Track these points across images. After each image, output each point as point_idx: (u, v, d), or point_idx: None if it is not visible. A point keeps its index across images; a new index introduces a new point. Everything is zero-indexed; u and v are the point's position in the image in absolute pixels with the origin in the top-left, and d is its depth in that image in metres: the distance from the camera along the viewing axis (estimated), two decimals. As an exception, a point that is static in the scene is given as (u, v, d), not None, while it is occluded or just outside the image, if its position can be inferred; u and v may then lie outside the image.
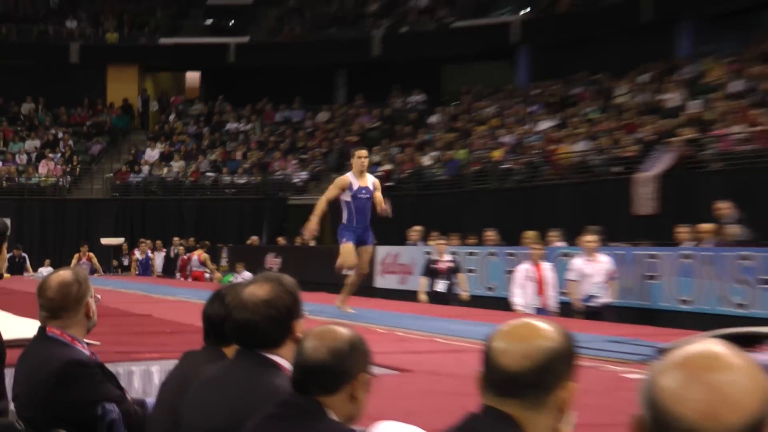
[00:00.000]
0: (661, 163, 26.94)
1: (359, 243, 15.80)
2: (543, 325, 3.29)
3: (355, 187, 15.13)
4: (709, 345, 2.42)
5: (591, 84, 37.36)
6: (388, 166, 39.18)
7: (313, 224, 15.91)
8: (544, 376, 3.13)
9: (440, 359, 10.39)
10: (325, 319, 13.82)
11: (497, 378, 3.15)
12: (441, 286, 21.51)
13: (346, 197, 15.09)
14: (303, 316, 4.77)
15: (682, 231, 20.75)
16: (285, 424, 3.84)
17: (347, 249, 15.80)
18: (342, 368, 3.90)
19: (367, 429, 4.63)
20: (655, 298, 19.86)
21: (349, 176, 15.42)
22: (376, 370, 8.93)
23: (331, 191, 15.43)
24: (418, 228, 26.99)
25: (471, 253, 24.17)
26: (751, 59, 32.08)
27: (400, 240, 28.08)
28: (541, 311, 18.34)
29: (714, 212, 20.55)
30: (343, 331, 4.07)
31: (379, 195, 15.78)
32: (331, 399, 3.88)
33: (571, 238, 22.33)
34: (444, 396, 6.75)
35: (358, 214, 15.22)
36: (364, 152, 15.98)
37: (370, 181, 15.54)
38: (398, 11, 46.60)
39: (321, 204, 15.70)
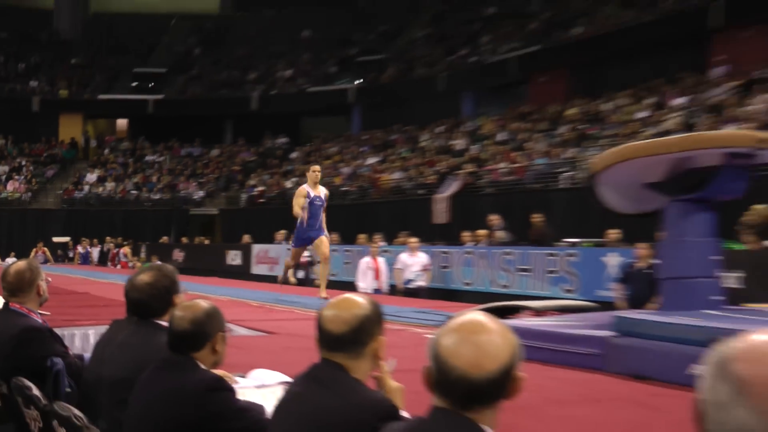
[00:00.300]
0: (451, 187, 27.52)
1: (311, 242, 14.59)
2: (358, 298, 3.38)
3: (311, 195, 13.84)
4: (474, 315, 2.55)
5: (403, 132, 37.69)
6: (261, 188, 39.42)
7: (302, 215, 13.86)
8: (359, 336, 3.21)
9: (297, 325, 10.11)
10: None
11: (326, 338, 3.24)
12: (301, 274, 21.71)
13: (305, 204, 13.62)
14: (181, 292, 4.74)
15: (466, 235, 20.85)
16: (166, 374, 3.84)
17: (294, 252, 15.42)
18: (202, 331, 3.89)
19: (245, 374, 5.29)
20: (449, 282, 19.99)
21: (305, 187, 14.09)
22: (250, 333, 9.63)
23: (298, 199, 13.87)
24: (282, 232, 27.17)
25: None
26: (511, 118, 33.00)
27: (270, 240, 28.00)
28: (377, 291, 18.28)
29: (487, 222, 20.71)
30: (203, 303, 4.04)
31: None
32: (198, 354, 3.87)
33: (390, 240, 22.62)
34: (299, 351, 6.65)
35: (311, 218, 13.83)
36: (317, 167, 14.68)
37: (323, 192, 14.30)
38: (270, 79, 46.51)
39: (297, 207, 13.96)
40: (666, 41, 29.48)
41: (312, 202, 13.64)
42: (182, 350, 3.87)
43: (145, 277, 4.70)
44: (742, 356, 1.79)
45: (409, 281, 18.91)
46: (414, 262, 19.16)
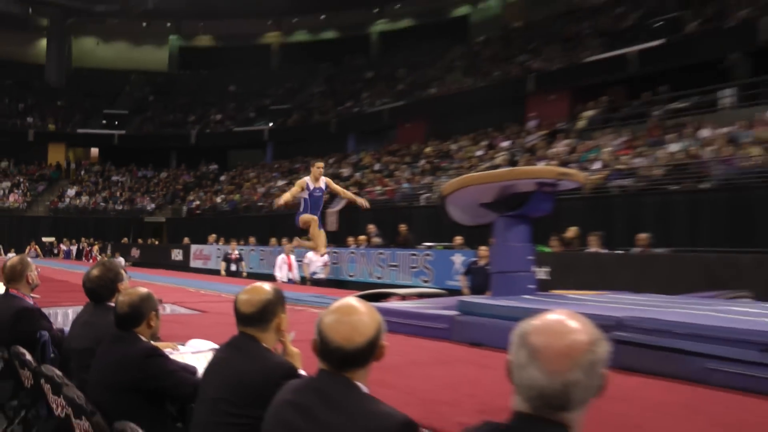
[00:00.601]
0: (339, 204, 27.49)
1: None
2: (265, 286, 3.38)
3: (312, 187, 11.94)
4: (350, 300, 2.59)
5: (304, 162, 37.20)
6: (197, 202, 38.98)
7: (286, 199, 12.14)
8: (265, 314, 3.23)
9: (223, 306, 9.75)
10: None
11: (240, 317, 3.25)
12: (233, 267, 21.35)
13: (304, 195, 11.97)
14: (125, 281, 4.76)
15: (351, 239, 20.96)
16: (114, 346, 3.83)
17: (313, 221, 12.39)
18: (138, 312, 3.91)
19: (184, 343, 5.24)
20: (338, 274, 19.89)
21: (306, 179, 12.13)
22: (188, 312, 9.51)
23: (294, 189, 12.09)
24: (213, 235, 27.04)
25: (248, 250, 23.55)
26: (384, 153, 33.25)
27: (203, 241, 27.58)
28: (290, 281, 18.36)
29: (366, 230, 20.92)
30: (139, 290, 4.04)
31: (338, 187, 12.79)
32: (138, 329, 3.90)
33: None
34: (225, 326, 5.39)
35: (313, 207, 12.10)
36: (321, 163, 12.61)
37: (323, 183, 12.19)
38: (205, 121, 46.01)
39: (289, 193, 12.17)
40: (496, 100, 30.00)
41: (312, 194, 12.00)
42: (125, 327, 3.92)
43: (95, 272, 4.78)
44: (535, 330, 1.93)
45: (314, 273, 18.88)
46: (318, 259, 18.93)
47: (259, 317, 3.25)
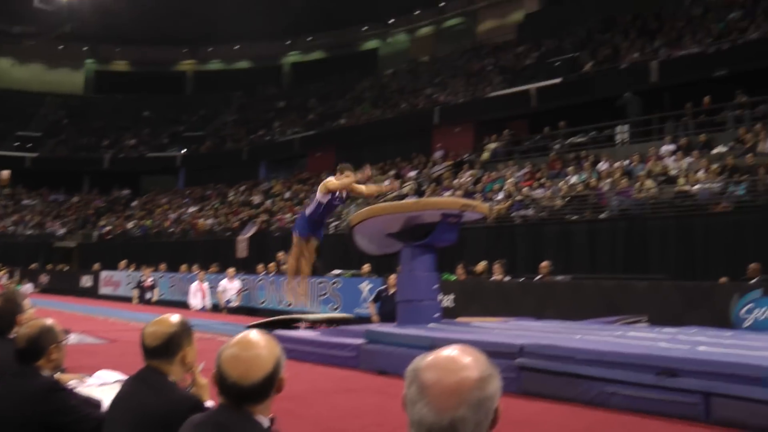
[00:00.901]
0: (250, 231, 27.33)
1: (308, 236, 10.30)
2: (172, 318, 3.27)
3: (335, 193, 9.64)
4: (249, 334, 2.54)
5: (216, 189, 37.11)
6: (109, 227, 38.04)
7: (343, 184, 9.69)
8: (170, 347, 3.14)
9: (135, 334, 9.36)
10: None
11: (146, 350, 3.17)
12: (147, 294, 20.98)
13: (324, 199, 9.68)
14: (25, 312, 4.59)
15: (261, 267, 20.65)
16: (14, 380, 3.66)
17: (297, 241, 10.43)
18: (38, 346, 3.75)
19: (91, 374, 5.08)
20: (248, 301, 19.65)
21: (334, 181, 9.78)
22: (96, 341, 9.18)
23: (345, 181, 9.70)
24: (124, 261, 26.50)
25: (158, 277, 22.82)
26: (294, 182, 33.12)
27: (114, 267, 26.90)
28: (203, 309, 18.35)
29: (276, 258, 20.57)
30: (40, 321, 3.89)
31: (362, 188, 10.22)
32: (39, 362, 3.74)
33: (204, 269, 21.77)
34: (134, 356, 5.80)
35: (325, 213, 9.91)
36: (350, 173, 10.06)
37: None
38: (119, 146, 45.05)
39: (339, 183, 9.67)
40: (403, 131, 30.19)
41: (331, 201, 9.78)
42: (25, 361, 3.75)
43: (-7, 303, 4.59)
44: (427, 366, 1.85)
45: (229, 302, 18.75)
46: (231, 286, 19.19)
47: (164, 350, 3.17)
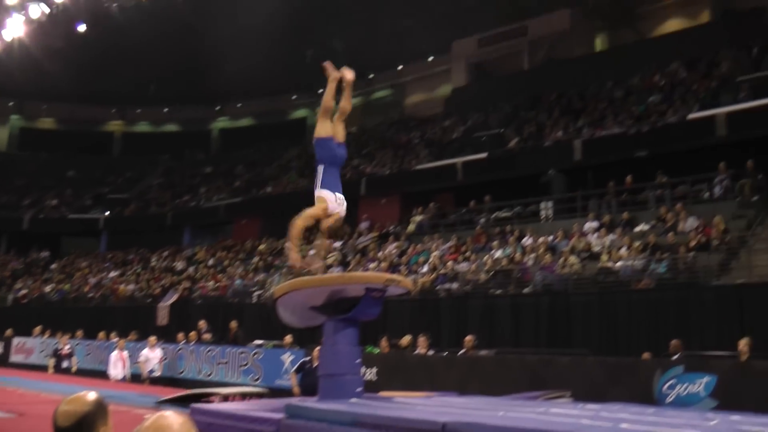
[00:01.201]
0: (171, 298, 26.88)
1: None
2: (87, 396, 3.07)
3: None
4: (164, 415, 2.47)
5: (138, 254, 36.47)
6: (25, 291, 36.89)
7: None
8: (83, 428, 2.95)
9: (47, 408, 9.14)
10: None
11: (56, 429, 2.96)
12: (64, 363, 20.26)
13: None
14: None
15: (181, 335, 20.27)
16: None
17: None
18: None
19: None
20: (167, 371, 19.07)
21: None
22: (4, 415, 8.74)
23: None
24: (39, 327, 25.55)
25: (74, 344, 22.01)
26: (218, 249, 32.75)
27: (28, 334, 25.83)
28: (123, 379, 17.81)
29: (197, 326, 20.43)
30: None
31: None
32: None
33: (123, 337, 21.23)
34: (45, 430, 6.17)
35: (335, 173, 8.15)
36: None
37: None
38: (40, 206, 43.85)
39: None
40: (330, 200, 30.19)
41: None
42: None
43: None
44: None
45: (152, 372, 18.26)
46: (153, 355, 18.69)
47: (77, 430, 2.94)
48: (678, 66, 26.37)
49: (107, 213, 42.18)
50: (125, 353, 18.78)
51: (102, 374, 18.86)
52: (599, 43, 33.21)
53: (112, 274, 34.44)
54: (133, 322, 25.42)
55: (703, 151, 20.67)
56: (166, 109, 47.90)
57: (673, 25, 31.14)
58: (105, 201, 43.43)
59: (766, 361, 10.80)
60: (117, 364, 18.36)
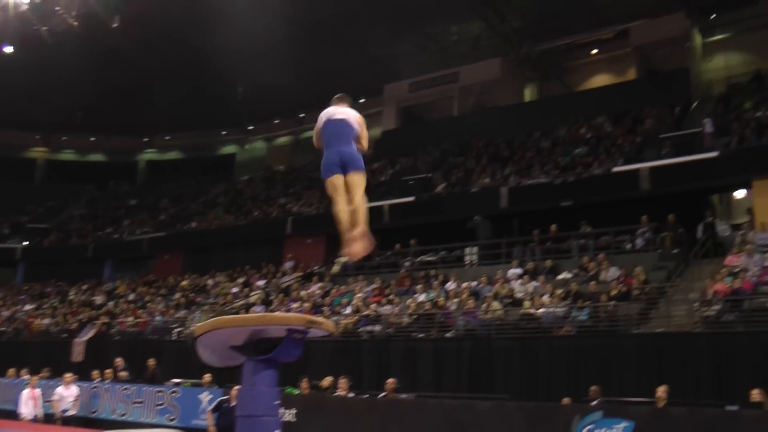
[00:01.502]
0: (88, 333, 26.25)
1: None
2: None
3: (326, 116, 7.03)
4: None
5: (56, 286, 35.41)
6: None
7: None
8: None
9: None
10: None
11: None
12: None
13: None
14: None
15: (95, 373, 19.92)
16: None
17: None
18: None
19: None
20: (81, 410, 18.25)
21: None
22: None
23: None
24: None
25: None
26: (140, 283, 32.17)
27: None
28: (35, 419, 17.02)
29: (114, 363, 20.13)
30: None
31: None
32: None
33: (35, 374, 19.86)
34: None
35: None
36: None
37: (353, 116, 7.06)
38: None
39: None
40: (255, 239, 30.01)
41: (326, 124, 7.01)
42: None
43: None
44: None
45: (65, 411, 17.41)
46: (68, 393, 17.76)
47: None
48: (604, 120, 27.04)
49: (25, 243, 40.89)
50: (37, 391, 17.68)
51: (12, 414, 18.09)
52: (528, 94, 33.85)
53: (27, 306, 33.34)
54: (47, 358, 24.66)
55: (627, 204, 21.21)
56: (92, 138, 46.84)
57: (600, 80, 32.00)
58: (24, 230, 42.13)
59: (682, 407, 11.00)
60: (28, 403, 17.23)
